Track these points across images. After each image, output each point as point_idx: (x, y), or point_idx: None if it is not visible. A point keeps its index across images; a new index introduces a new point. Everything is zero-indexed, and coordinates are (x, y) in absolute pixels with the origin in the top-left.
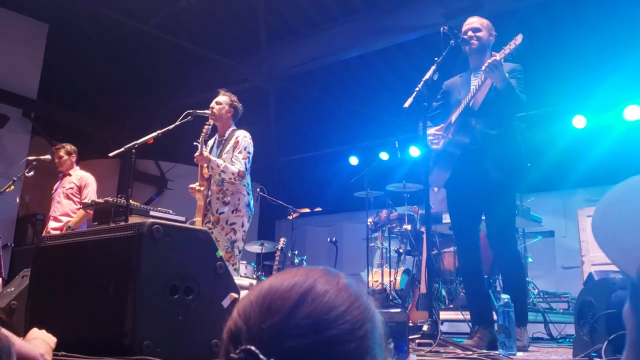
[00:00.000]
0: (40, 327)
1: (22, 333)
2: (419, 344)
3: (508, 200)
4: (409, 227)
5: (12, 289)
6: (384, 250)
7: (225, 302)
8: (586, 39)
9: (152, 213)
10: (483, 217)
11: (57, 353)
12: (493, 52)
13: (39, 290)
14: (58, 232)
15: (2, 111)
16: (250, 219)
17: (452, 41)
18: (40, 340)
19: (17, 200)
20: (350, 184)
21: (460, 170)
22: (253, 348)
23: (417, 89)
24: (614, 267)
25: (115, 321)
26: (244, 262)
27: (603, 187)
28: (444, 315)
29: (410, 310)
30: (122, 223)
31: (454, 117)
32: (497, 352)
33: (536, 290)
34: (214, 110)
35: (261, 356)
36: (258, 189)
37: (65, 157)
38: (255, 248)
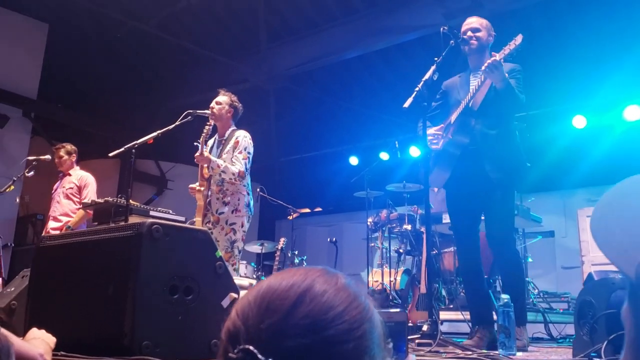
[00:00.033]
0: (39, 327)
1: (22, 333)
2: (419, 344)
3: (507, 201)
4: (409, 227)
5: (12, 289)
6: (384, 250)
7: (225, 302)
8: (586, 39)
9: (152, 213)
10: (483, 217)
11: (57, 353)
12: (493, 53)
13: (39, 290)
14: (58, 232)
15: (2, 111)
16: (250, 219)
17: (451, 41)
18: (40, 340)
19: (17, 200)
20: (351, 184)
21: (460, 170)
22: (251, 348)
23: (416, 89)
24: (614, 267)
25: (115, 321)
26: (244, 262)
27: (603, 187)
28: (444, 315)
29: (410, 310)
30: (122, 223)
31: (453, 117)
32: (496, 352)
33: (536, 290)
34: (214, 110)
35: (259, 356)
36: (258, 189)
37: (66, 157)
38: (255, 248)
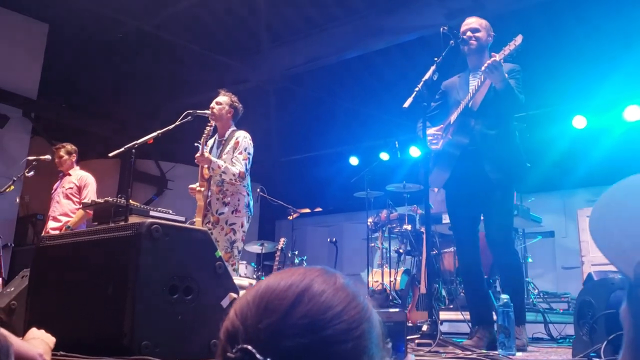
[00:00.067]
0: (39, 327)
1: (22, 333)
2: (419, 344)
3: (507, 201)
4: (409, 227)
5: (12, 289)
6: (384, 250)
7: (225, 302)
8: (586, 39)
9: (152, 213)
10: (482, 218)
11: (56, 353)
12: (493, 53)
13: (39, 290)
14: (57, 232)
15: (2, 111)
16: (250, 219)
17: (451, 41)
18: (39, 340)
19: (17, 200)
20: (351, 184)
21: (460, 170)
22: (250, 347)
23: (416, 89)
24: (613, 268)
25: (114, 321)
26: (244, 262)
27: (603, 187)
28: (444, 315)
29: (410, 310)
30: (122, 223)
31: (453, 118)
32: (496, 352)
33: (536, 291)
34: (214, 110)
35: (258, 355)
36: (258, 189)
37: (66, 156)
38: (255, 248)
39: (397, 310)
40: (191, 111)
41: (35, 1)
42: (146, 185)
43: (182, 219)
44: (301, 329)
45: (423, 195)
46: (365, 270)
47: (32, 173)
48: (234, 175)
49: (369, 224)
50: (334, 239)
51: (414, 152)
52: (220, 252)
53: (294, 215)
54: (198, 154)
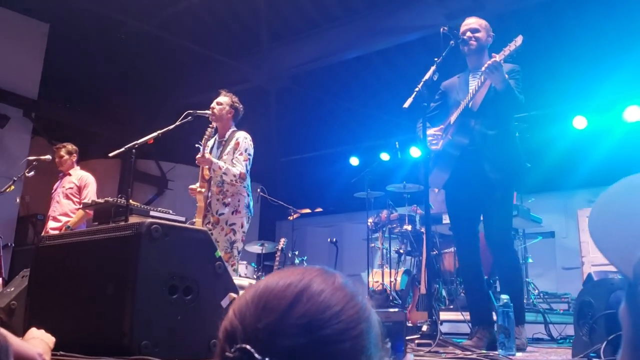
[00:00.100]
0: (39, 327)
1: (22, 333)
2: (419, 345)
3: (506, 201)
4: (409, 227)
5: (12, 289)
6: (384, 250)
7: (225, 302)
8: (587, 40)
9: (152, 213)
10: (482, 218)
11: (56, 353)
12: (493, 54)
13: (38, 290)
14: (57, 232)
15: (3, 111)
16: (250, 220)
17: (451, 41)
18: (39, 340)
19: (18, 200)
20: (351, 185)
21: (459, 171)
22: (248, 347)
23: (416, 89)
24: (614, 268)
25: (114, 321)
26: (244, 262)
27: (603, 187)
28: (444, 315)
29: (411, 310)
30: (122, 223)
31: (453, 118)
32: (496, 352)
33: (536, 291)
34: (215, 110)
35: (256, 355)
36: (258, 190)
37: (66, 156)
38: (255, 248)
39: (396, 310)
40: (191, 111)
41: (36, 1)
42: (147, 186)
43: (183, 219)
44: (299, 328)
45: (423, 196)
46: (366, 271)
47: (32, 173)
48: (234, 176)
49: (369, 224)
50: (334, 240)
51: (415, 152)
52: (220, 252)
53: (295, 216)
54: (199, 155)
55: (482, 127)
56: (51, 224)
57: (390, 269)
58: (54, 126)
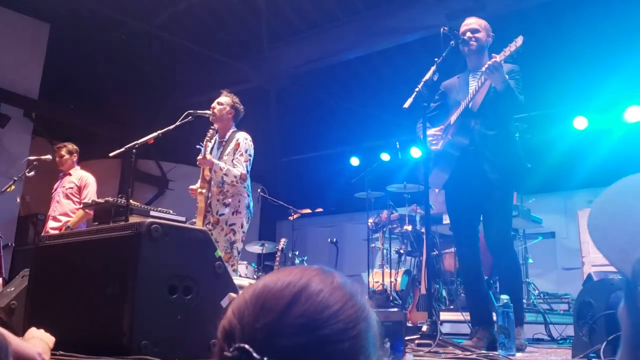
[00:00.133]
0: (39, 327)
1: (22, 333)
2: (419, 345)
3: (506, 201)
4: (409, 227)
5: (12, 289)
6: (384, 251)
7: (224, 302)
8: (587, 40)
9: (152, 213)
10: (481, 218)
11: (56, 352)
12: (493, 54)
13: (38, 289)
14: (57, 231)
15: (3, 111)
16: (250, 220)
17: (452, 42)
18: (38, 340)
19: (18, 200)
20: (351, 185)
21: (459, 171)
22: (247, 347)
23: (417, 89)
24: (614, 269)
25: (114, 321)
26: (245, 262)
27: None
28: (444, 316)
29: (411, 311)
30: (122, 223)
31: (453, 118)
32: (496, 352)
33: (537, 291)
34: (215, 110)
35: (255, 355)
36: (259, 190)
37: (67, 156)
38: (256, 248)
39: (395, 310)
40: (192, 111)
41: (36, 1)
42: (147, 186)
43: (183, 219)
44: (298, 328)
45: (423, 196)
46: (366, 271)
47: (32, 173)
48: (235, 177)
49: (369, 224)
50: (335, 240)
51: (415, 152)
52: (219, 252)
53: (295, 216)
54: (200, 157)
55: (482, 128)
56: (51, 223)
57: (390, 269)
58: (54, 126)
